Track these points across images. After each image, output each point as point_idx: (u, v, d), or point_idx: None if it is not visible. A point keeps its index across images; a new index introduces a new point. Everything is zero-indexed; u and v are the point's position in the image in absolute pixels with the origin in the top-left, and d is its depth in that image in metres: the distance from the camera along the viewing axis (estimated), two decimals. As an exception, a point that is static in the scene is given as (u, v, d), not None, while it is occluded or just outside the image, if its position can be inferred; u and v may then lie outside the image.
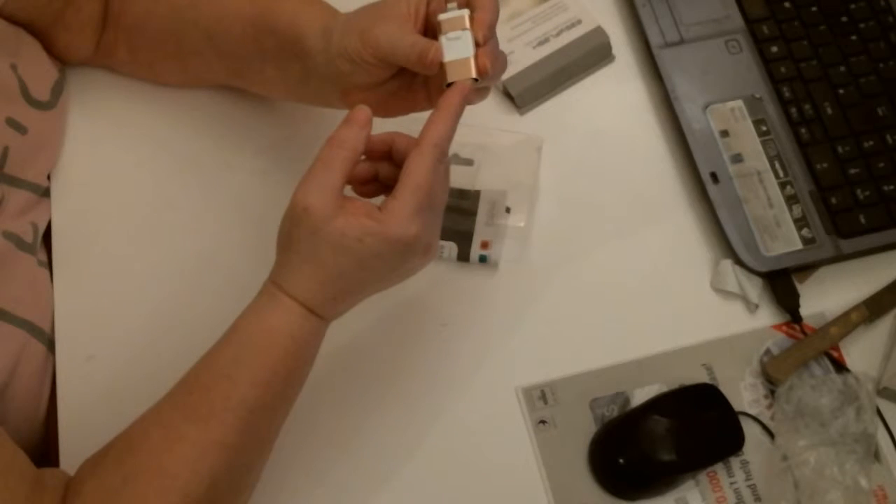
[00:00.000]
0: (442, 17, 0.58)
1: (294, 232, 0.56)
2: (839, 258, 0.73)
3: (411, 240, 0.55)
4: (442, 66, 0.57)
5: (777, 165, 0.75)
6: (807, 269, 0.74)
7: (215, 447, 0.55)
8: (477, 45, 0.58)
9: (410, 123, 0.72)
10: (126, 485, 0.54)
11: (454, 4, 0.58)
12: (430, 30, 0.60)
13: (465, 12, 0.58)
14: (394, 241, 0.55)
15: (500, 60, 0.60)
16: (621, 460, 0.66)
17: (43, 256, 0.71)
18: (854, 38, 0.80)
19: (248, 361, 0.57)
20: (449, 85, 0.57)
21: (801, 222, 0.73)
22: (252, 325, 0.58)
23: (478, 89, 0.59)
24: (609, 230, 0.75)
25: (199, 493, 0.54)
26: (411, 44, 0.57)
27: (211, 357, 0.58)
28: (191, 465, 0.55)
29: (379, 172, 0.60)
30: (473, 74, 0.57)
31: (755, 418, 0.69)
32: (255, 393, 0.56)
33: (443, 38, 0.58)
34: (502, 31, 0.79)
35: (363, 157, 0.58)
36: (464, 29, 0.57)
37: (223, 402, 0.56)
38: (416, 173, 0.55)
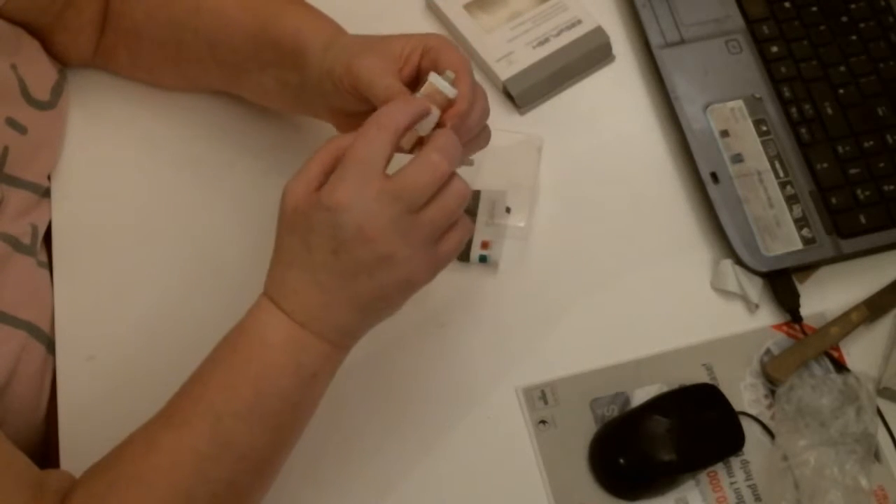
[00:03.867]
0: (431, 79, 0.57)
1: (277, 220, 0.56)
2: (839, 258, 0.73)
3: (333, 205, 0.52)
4: None
5: (777, 165, 0.75)
6: (807, 269, 0.74)
7: (188, 454, 0.54)
8: (441, 125, 0.57)
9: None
10: (108, 491, 0.54)
11: (451, 75, 0.57)
12: (421, 79, 0.59)
13: (452, 93, 0.57)
14: (318, 207, 0.53)
15: (483, 138, 0.61)
16: (621, 460, 0.66)
17: (43, 257, 0.71)
18: (854, 38, 0.80)
19: (219, 363, 0.57)
20: None
21: (801, 222, 0.73)
22: (232, 329, 0.57)
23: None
24: (609, 230, 0.75)
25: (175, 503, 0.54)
26: (387, 86, 0.57)
27: (201, 363, 0.57)
28: (166, 473, 0.54)
29: None
30: (407, 149, 0.57)
31: (755, 418, 0.69)
32: (222, 396, 0.55)
33: (417, 96, 0.57)
34: (503, 32, 0.80)
35: None
36: (438, 107, 0.57)
37: (194, 406, 0.55)
38: (352, 147, 0.54)
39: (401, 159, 0.55)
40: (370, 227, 0.52)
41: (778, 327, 0.72)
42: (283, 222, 0.56)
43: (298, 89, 0.65)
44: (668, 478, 0.67)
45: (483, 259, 0.72)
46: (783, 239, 0.73)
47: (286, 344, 0.56)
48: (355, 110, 0.61)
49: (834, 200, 0.74)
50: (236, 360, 0.56)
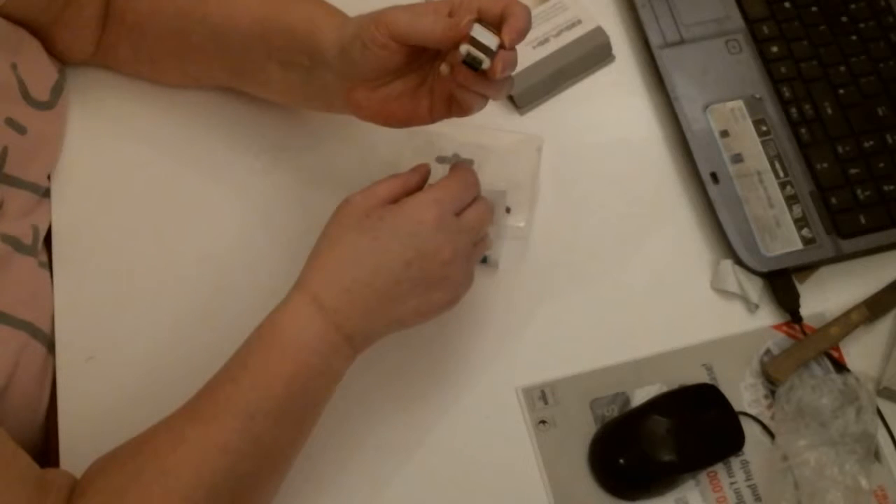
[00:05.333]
0: (474, 30, 0.57)
1: (330, 221, 0.60)
2: (839, 258, 0.73)
3: (427, 220, 0.58)
4: (463, 39, 0.56)
5: (777, 165, 0.75)
6: (807, 269, 0.74)
7: (216, 450, 0.55)
8: (502, 47, 0.56)
9: (407, 139, 0.73)
10: (131, 484, 0.54)
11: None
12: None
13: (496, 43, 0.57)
14: (409, 215, 0.58)
15: (509, 82, 0.61)
16: (621, 460, 0.66)
17: (44, 258, 0.71)
18: (854, 38, 0.80)
19: (252, 362, 0.57)
20: (465, 62, 0.56)
21: (801, 222, 0.73)
22: (263, 326, 0.58)
23: (477, 95, 0.59)
24: (609, 230, 0.75)
25: (199, 497, 0.54)
26: (433, 20, 0.57)
27: (227, 361, 0.58)
28: (192, 467, 0.54)
29: None
30: (486, 65, 0.56)
31: (755, 418, 0.69)
32: (256, 396, 0.56)
33: (475, 26, 0.56)
34: (502, 31, 0.80)
35: None
36: (493, 34, 0.56)
37: (225, 404, 0.56)
38: (448, 177, 0.62)
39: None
40: (448, 251, 0.59)
41: (778, 327, 0.72)
42: (350, 225, 0.59)
43: (307, 75, 0.65)
44: (668, 478, 0.67)
45: (483, 259, 0.72)
46: (783, 239, 0.73)
47: (321, 346, 0.58)
48: (382, 70, 0.60)
49: (834, 200, 0.74)
50: (271, 360, 0.57)
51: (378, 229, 0.58)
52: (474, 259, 0.63)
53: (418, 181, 0.63)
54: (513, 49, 0.57)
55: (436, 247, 0.59)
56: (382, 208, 0.59)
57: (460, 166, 0.64)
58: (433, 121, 0.63)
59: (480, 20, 0.57)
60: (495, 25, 0.57)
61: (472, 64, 0.56)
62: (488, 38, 0.56)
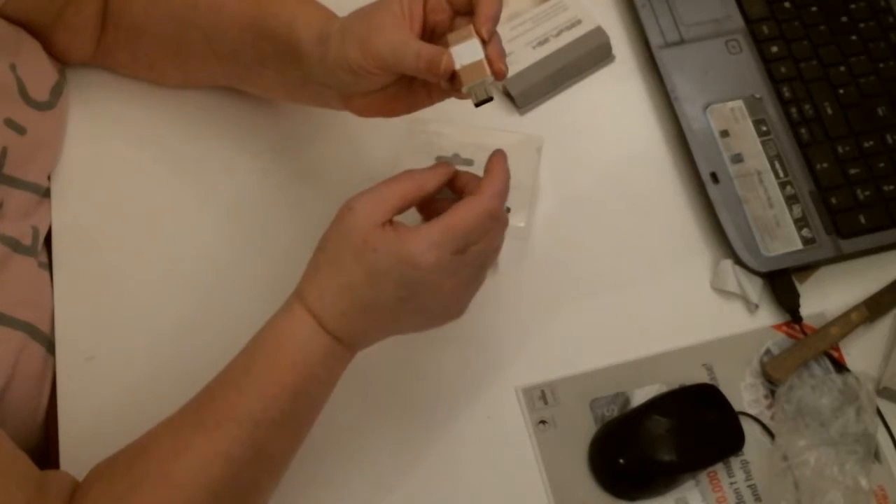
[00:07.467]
0: (449, 35, 0.57)
1: (330, 231, 0.57)
2: (839, 258, 0.73)
3: (423, 266, 0.54)
4: (455, 73, 0.56)
5: (777, 165, 0.75)
6: (807, 269, 0.74)
7: (220, 458, 0.55)
8: (483, 43, 0.56)
9: (407, 138, 0.73)
10: (132, 491, 0.54)
11: (462, 21, 0.57)
12: (429, 29, 0.59)
13: (470, 26, 0.56)
14: (403, 259, 0.54)
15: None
16: (621, 460, 0.66)
17: (44, 258, 0.71)
18: (854, 38, 0.80)
19: (257, 371, 0.57)
20: (477, 105, 0.56)
21: (801, 222, 0.73)
22: (265, 334, 0.58)
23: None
24: (609, 230, 0.75)
25: None
26: (416, 53, 0.56)
27: (227, 366, 0.58)
28: (195, 475, 0.54)
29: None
30: (488, 73, 0.56)
31: (755, 418, 0.69)
32: (261, 405, 0.56)
33: (452, 49, 0.56)
34: (502, 31, 0.79)
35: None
36: (470, 36, 0.56)
37: (230, 412, 0.56)
38: (456, 215, 0.56)
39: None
40: (449, 285, 0.56)
41: (778, 327, 0.72)
42: (349, 246, 0.55)
43: (301, 82, 0.65)
44: (668, 478, 0.67)
45: (483, 259, 0.72)
46: (783, 239, 0.73)
47: (326, 359, 0.58)
48: (374, 89, 0.60)
49: (834, 200, 0.74)
50: (276, 371, 0.57)
51: (372, 264, 0.55)
52: (480, 279, 0.60)
53: (436, 186, 0.59)
54: (492, 38, 0.56)
55: (433, 285, 0.56)
56: (381, 235, 0.55)
57: (480, 198, 0.57)
58: (433, 103, 0.62)
59: (452, 30, 0.56)
60: (465, 12, 0.57)
61: (484, 102, 0.57)
62: (471, 51, 0.55)
